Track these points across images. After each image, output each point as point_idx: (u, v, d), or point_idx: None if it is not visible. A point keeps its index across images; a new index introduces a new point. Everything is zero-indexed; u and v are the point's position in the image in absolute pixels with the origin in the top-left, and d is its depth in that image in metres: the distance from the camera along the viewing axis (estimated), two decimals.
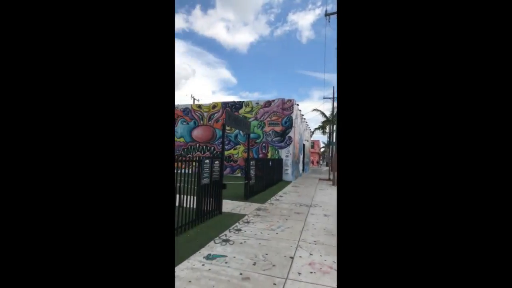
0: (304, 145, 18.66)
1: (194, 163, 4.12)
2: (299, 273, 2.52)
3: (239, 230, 3.90)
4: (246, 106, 13.83)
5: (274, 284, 2.30)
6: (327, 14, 10.40)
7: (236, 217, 4.67)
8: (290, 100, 12.94)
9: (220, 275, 2.43)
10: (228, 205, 5.57)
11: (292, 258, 2.89)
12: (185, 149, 14.88)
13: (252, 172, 6.86)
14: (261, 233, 3.79)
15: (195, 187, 4.14)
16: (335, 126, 14.58)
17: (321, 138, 62.30)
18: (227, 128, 6.99)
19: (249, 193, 6.62)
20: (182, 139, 15.10)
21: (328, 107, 52.32)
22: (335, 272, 2.54)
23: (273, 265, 2.68)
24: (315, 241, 3.48)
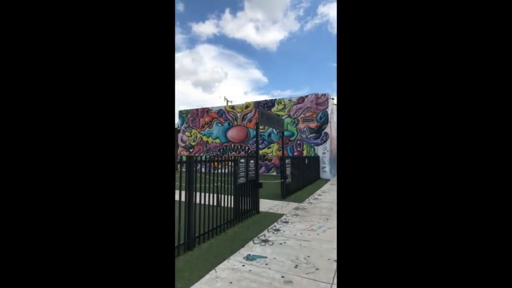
0: None
1: (230, 163, 4.14)
2: None
3: (278, 230, 3.80)
4: (278, 104, 13.65)
5: None
6: None
7: (274, 217, 4.57)
8: (324, 95, 12.39)
9: (261, 277, 2.35)
10: (265, 204, 5.50)
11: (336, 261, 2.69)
12: (221, 150, 15.29)
13: (288, 171, 6.69)
14: (301, 233, 3.63)
15: (232, 187, 4.15)
16: None
17: None
18: (260, 126, 6.93)
19: (286, 192, 6.46)
20: (217, 140, 15.55)
21: None
22: None
23: (317, 269, 2.51)
24: None
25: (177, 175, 3.26)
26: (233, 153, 14.75)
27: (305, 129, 12.72)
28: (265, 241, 3.32)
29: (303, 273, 2.41)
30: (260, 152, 13.52)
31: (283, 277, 2.35)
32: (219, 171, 4.06)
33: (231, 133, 15.14)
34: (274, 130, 13.01)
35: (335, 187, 8.64)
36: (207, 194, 3.81)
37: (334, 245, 3.15)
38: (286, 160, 6.57)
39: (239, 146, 14.81)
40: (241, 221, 4.28)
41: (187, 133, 16.90)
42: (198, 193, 3.32)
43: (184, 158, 3.37)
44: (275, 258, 2.75)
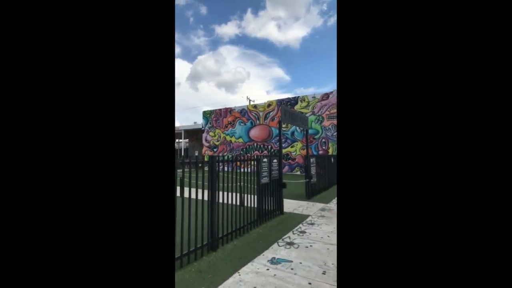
0: None
1: (252, 162, 4.06)
2: None
3: (304, 232, 3.63)
4: (301, 102, 13.33)
5: None
6: None
7: (299, 218, 4.40)
8: None
9: (287, 282, 2.22)
10: (289, 205, 5.34)
11: None
12: (244, 149, 15.35)
13: (313, 170, 6.44)
14: (328, 236, 3.43)
15: (255, 186, 4.07)
16: None
17: None
18: (283, 125, 6.77)
19: (311, 192, 6.23)
20: (240, 140, 15.63)
21: None
22: None
23: None
24: None
25: (200, 175, 3.25)
26: (256, 152, 14.72)
27: (330, 126, 12.27)
28: (290, 243, 3.18)
29: (332, 281, 2.24)
30: (284, 151, 13.32)
31: (310, 284, 2.20)
32: (242, 170, 3.99)
33: (254, 132, 15.11)
34: (297, 128, 12.73)
35: None
36: (229, 194, 3.77)
37: None
38: (311, 159, 6.34)
39: (261, 145, 14.74)
40: (265, 222, 4.17)
41: (211, 133, 17.22)
42: (221, 192, 3.28)
43: (206, 158, 3.35)
44: (301, 263, 2.61)
